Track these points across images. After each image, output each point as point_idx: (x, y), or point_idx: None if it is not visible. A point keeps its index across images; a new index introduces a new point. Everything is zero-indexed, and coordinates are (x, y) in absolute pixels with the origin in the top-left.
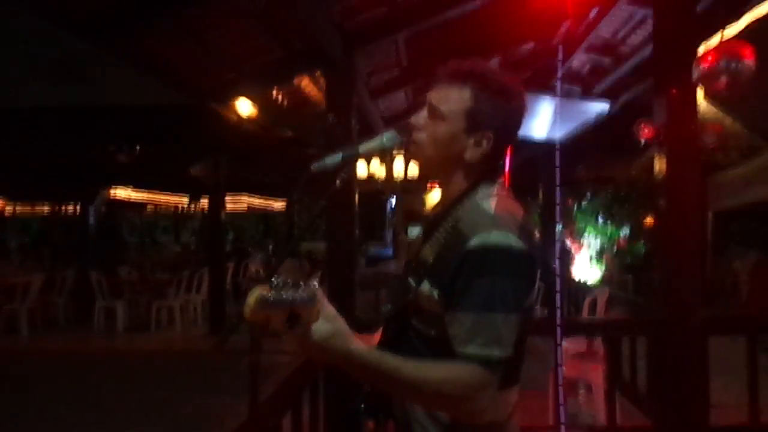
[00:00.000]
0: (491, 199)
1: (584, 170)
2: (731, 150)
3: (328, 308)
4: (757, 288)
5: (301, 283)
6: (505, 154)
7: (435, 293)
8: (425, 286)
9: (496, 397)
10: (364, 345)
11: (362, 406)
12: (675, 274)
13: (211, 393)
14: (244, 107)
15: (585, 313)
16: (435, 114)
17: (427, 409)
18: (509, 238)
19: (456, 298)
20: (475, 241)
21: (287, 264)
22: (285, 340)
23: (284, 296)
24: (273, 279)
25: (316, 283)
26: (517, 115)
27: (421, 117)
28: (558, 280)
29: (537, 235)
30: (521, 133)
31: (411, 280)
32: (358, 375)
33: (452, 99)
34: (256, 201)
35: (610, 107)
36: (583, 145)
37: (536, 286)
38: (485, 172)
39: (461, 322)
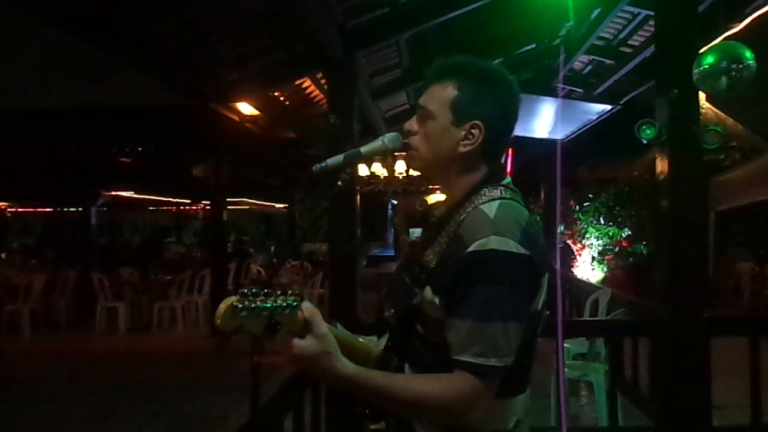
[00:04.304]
0: (493, 203)
1: (586, 171)
2: (733, 151)
3: (321, 326)
4: None
5: (284, 292)
6: (504, 151)
7: (437, 299)
8: (428, 292)
9: (497, 406)
10: (352, 364)
11: (367, 411)
12: (677, 275)
13: (212, 394)
14: (246, 108)
15: (586, 314)
16: (425, 114)
17: (425, 421)
18: (508, 244)
19: (455, 305)
20: (473, 247)
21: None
22: (274, 347)
23: (259, 305)
24: (245, 289)
25: (297, 292)
26: (506, 101)
27: (413, 122)
28: (560, 281)
29: (542, 238)
30: (523, 134)
31: (414, 286)
32: (348, 392)
33: (437, 96)
34: (258, 202)
35: (612, 108)
36: (585, 145)
37: (541, 292)
38: (487, 172)
39: (458, 329)
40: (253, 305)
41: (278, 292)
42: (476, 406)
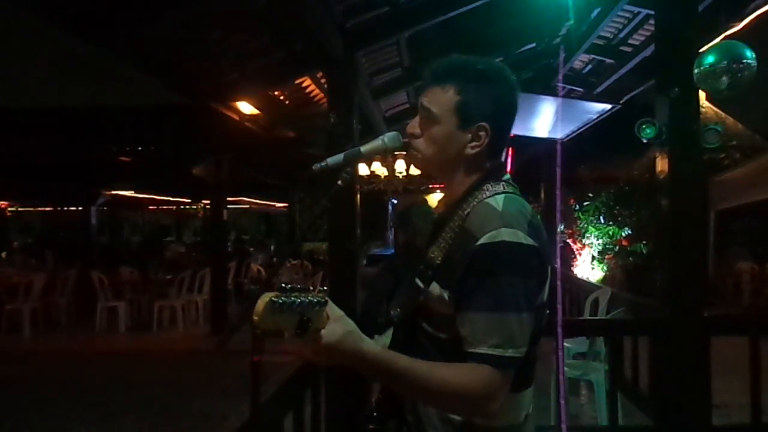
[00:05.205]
0: (498, 197)
1: (586, 170)
2: (733, 150)
3: (335, 309)
4: None
5: (310, 287)
6: (505, 146)
7: (445, 294)
8: (435, 288)
9: (509, 400)
10: (375, 345)
11: (374, 413)
12: (677, 275)
13: (212, 393)
14: (246, 107)
15: (587, 314)
16: (428, 117)
17: (440, 410)
18: (518, 236)
19: (467, 298)
20: (484, 240)
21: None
22: (295, 344)
23: (294, 300)
24: (283, 284)
25: (324, 288)
26: (506, 98)
27: (415, 123)
28: (560, 281)
29: (544, 231)
30: (523, 133)
31: (419, 282)
32: (370, 375)
33: (440, 99)
34: (258, 201)
35: (612, 107)
36: (585, 145)
37: (547, 284)
38: (489, 169)
39: (473, 322)
40: (288, 301)
41: (311, 288)
42: (496, 396)
